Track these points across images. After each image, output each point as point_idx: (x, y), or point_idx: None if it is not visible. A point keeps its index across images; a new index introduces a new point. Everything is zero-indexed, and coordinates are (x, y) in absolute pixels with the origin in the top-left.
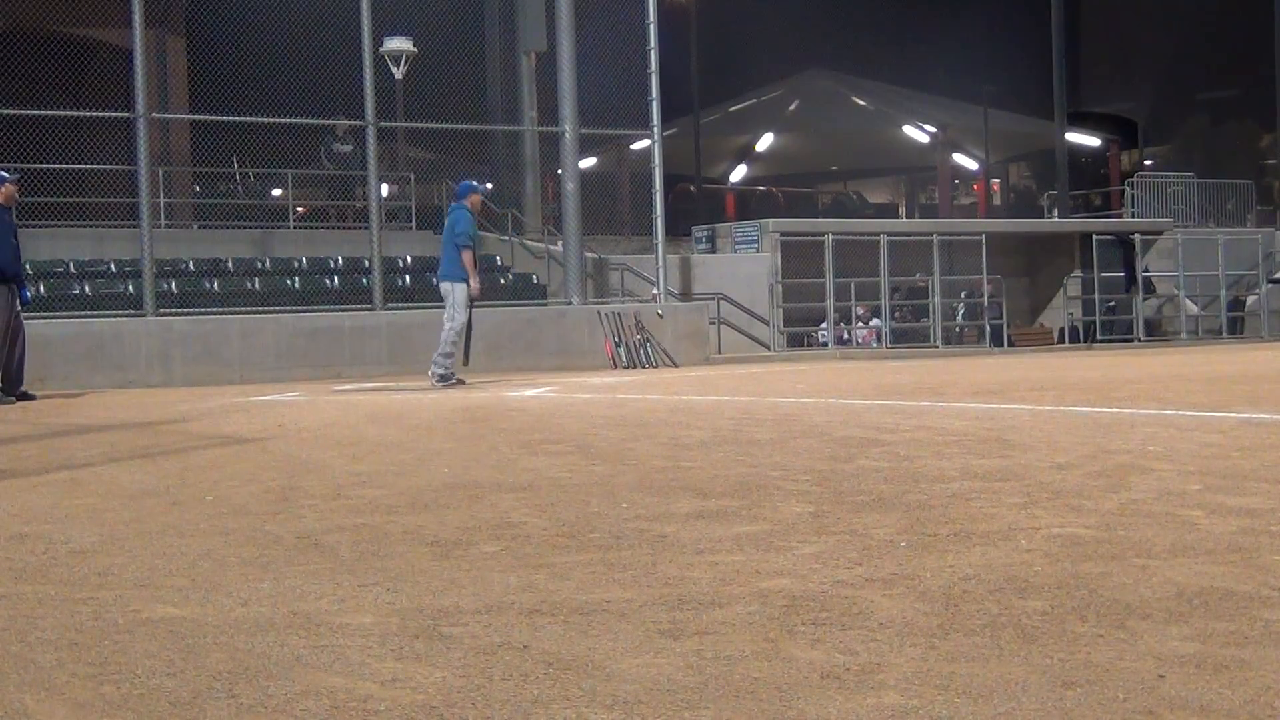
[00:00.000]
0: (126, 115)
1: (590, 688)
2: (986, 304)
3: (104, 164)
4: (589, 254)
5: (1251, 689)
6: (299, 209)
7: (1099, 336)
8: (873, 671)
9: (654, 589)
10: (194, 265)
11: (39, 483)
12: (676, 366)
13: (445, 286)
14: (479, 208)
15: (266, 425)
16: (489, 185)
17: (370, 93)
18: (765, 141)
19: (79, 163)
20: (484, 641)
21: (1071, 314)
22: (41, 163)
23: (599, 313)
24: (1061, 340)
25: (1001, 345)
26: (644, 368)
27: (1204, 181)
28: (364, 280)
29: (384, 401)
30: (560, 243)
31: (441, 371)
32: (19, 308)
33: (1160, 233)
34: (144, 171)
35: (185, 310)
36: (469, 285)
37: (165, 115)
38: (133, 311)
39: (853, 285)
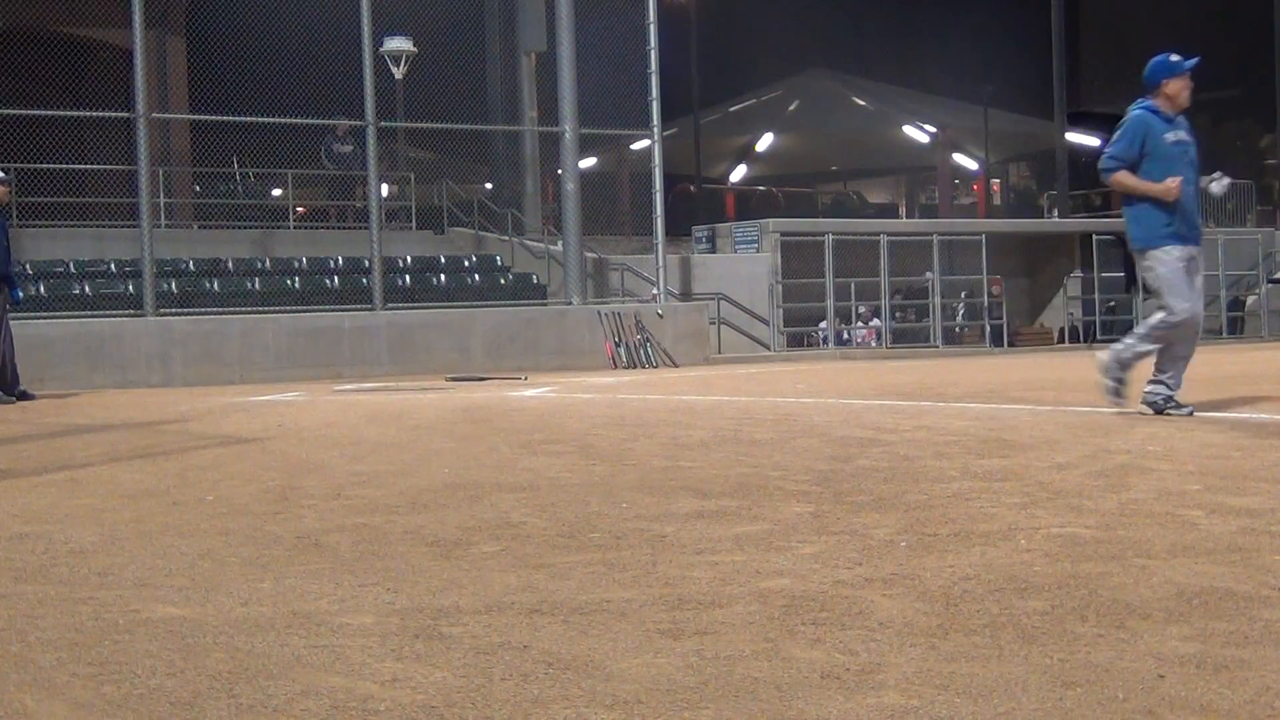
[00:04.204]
0: (126, 115)
1: (590, 688)
2: (987, 304)
3: (104, 164)
4: (589, 254)
5: (1251, 689)
6: (299, 209)
7: (1099, 336)
8: (873, 671)
9: (654, 589)
10: (194, 265)
11: (39, 483)
12: (676, 366)
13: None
14: (1176, 99)
15: (266, 425)
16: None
17: (370, 93)
18: (765, 141)
19: (79, 163)
20: (484, 641)
21: (1071, 314)
22: (41, 163)
23: (599, 313)
24: (1061, 340)
25: (1002, 345)
26: (644, 368)
27: None
28: (364, 280)
29: (384, 401)
30: (560, 243)
31: (1112, 380)
32: (8, 308)
33: None
34: (144, 171)
35: (185, 310)
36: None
37: (165, 115)
38: (133, 311)
39: (853, 285)
